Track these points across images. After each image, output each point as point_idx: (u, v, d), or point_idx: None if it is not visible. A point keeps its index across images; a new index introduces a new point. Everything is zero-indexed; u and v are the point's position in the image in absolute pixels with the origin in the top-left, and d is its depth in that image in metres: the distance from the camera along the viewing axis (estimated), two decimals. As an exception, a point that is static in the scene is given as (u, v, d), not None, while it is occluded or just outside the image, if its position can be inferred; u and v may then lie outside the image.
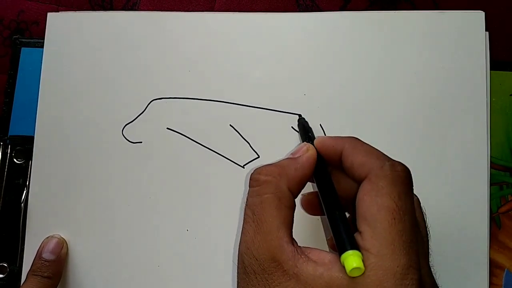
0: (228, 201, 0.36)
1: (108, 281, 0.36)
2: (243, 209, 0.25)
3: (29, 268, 0.35)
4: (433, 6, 0.39)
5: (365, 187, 0.24)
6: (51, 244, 0.35)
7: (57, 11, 0.40)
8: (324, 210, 0.26)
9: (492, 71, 0.36)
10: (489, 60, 0.36)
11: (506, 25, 0.39)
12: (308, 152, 0.27)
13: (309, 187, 0.30)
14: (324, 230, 0.35)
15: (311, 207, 0.31)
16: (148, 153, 0.37)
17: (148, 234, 0.36)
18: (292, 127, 0.36)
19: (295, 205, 0.25)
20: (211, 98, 0.37)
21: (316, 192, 0.30)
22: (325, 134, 0.36)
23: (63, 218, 0.37)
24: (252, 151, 0.36)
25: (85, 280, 0.36)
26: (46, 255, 0.35)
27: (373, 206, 0.23)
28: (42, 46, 0.38)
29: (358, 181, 0.25)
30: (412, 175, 0.24)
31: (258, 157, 0.36)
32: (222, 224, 0.36)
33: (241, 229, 0.25)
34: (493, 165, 0.37)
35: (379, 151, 0.26)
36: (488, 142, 0.35)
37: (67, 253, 0.36)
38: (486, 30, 0.36)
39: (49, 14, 0.39)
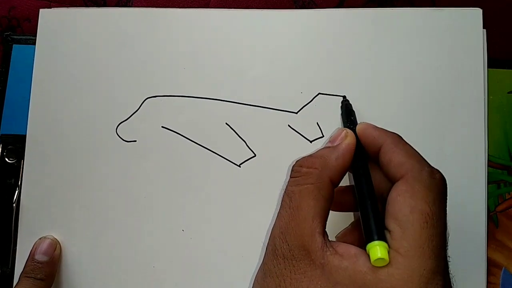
0: (224, 201, 0.36)
1: (102, 282, 0.36)
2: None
3: (22, 269, 0.35)
4: (430, 3, 0.39)
5: (400, 187, 0.24)
6: (44, 245, 0.35)
7: (50, 7, 0.39)
8: (357, 197, 0.26)
9: (489, 69, 0.36)
10: (487, 58, 0.36)
11: (504, 23, 0.39)
12: (347, 139, 0.27)
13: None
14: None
15: (335, 203, 0.30)
16: (142, 152, 0.36)
17: (143, 234, 0.36)
18: (289, 125, 0.36)
19: (334, 197, 0.26)
20: (206, 96, 0.36)
21: (340, 188, 0.30)
22: (322, 133, 0.35)
23: (56, 219, 0.36)
24: (248, 150, 0.36)
25: (78, 281, 0.36)
26: (39, 257, 0.34)
27: (406, 208, 0.23)
28: (34, 43, 0.38)
29: (392, 180, 0.25)
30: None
31: (255, 156, 0.36)
32: (218, 224, 0.35)
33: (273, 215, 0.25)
34: (491, 164, 0.36)
35: (420, 154, 0.26)
36: (486, 140, 0.35)
37: (60, 254, 0.36)
38: (483, 28, 0.36)
39: (41, 10, 0.38)
